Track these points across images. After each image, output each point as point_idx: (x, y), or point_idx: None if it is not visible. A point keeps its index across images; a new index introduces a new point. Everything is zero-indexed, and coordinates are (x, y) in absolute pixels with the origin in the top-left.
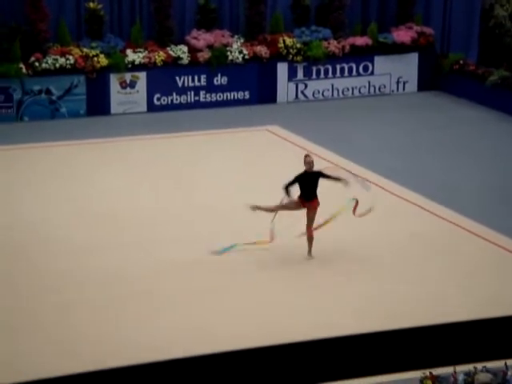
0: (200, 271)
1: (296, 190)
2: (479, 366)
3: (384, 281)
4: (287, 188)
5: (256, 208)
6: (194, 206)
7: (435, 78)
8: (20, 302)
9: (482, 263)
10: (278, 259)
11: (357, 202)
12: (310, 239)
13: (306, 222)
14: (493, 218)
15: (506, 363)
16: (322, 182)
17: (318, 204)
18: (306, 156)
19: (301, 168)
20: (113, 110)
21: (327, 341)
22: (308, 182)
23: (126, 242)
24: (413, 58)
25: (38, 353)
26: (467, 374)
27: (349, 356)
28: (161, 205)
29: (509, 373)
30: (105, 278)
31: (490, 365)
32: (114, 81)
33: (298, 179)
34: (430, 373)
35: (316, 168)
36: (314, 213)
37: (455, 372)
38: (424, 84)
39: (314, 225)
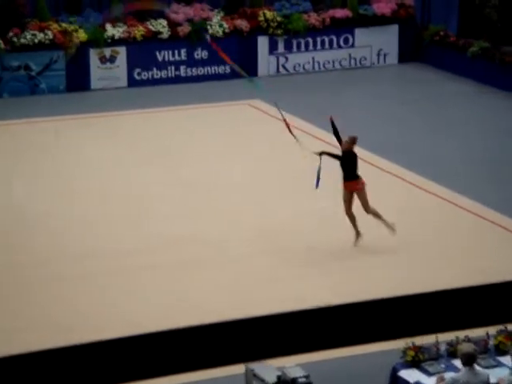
0: (188, 246)
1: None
2: (461, 335)
3: (371, 255)
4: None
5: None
6: (178, 180)
7: (416, 49)
8: (12, 277)
9: (469, 236)
10: (264, 236)
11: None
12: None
13: (347, 205)
14: (476, 190)
15: (487, 333)
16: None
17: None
18: (355, 137)
19: (281, 140)
20: (93, 86)
21: (307, 312)
22: (351, 161)
23: (110, 216)
24: (393, 30)
25: (31, 326)
26: (450, 344)
27: (329, 326)
28: (144, 180)
29: (490, 342)
30: (92, 252)
31: (472, 334)
32: (93, 56)
33: (343, 158)
34: (413, 343)
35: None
36: (363, 192)
37: (438, 342)
38: (404, 56)
39: None
